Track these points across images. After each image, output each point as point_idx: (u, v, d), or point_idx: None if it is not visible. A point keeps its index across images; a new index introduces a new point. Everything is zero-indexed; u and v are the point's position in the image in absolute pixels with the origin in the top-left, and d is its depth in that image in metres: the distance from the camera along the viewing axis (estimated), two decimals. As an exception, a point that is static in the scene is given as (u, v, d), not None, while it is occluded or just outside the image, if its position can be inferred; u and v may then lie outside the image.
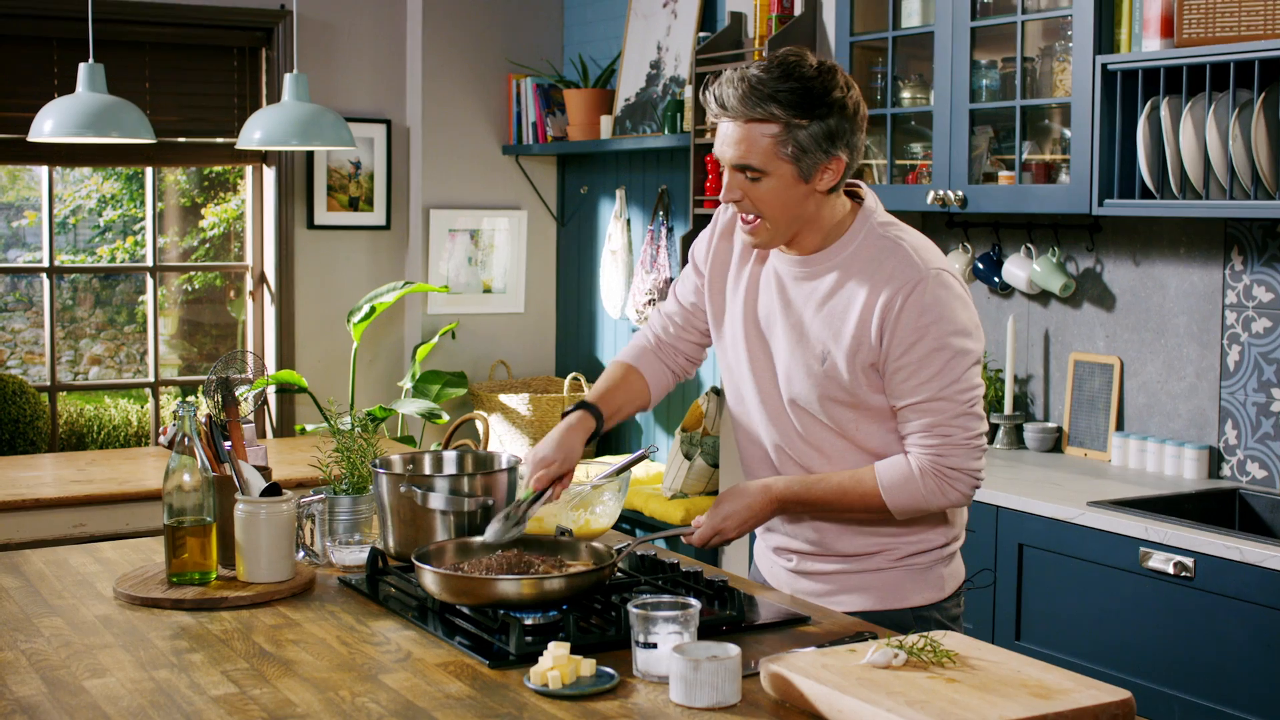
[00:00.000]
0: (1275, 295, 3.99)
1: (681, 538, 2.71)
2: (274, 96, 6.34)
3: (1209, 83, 3.68)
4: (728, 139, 2.53)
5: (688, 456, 5.51)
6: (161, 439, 5.24)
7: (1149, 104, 3.84)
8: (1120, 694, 1.99)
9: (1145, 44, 3.85)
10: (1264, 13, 3.61)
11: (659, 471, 5.91)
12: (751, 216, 2.58)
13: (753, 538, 2.99)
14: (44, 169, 6.22)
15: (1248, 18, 3.63)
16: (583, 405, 2.83)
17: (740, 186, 2.55)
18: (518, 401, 6.25)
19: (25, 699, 2.17)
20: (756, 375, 2.72)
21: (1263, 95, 3.58)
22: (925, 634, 2.17)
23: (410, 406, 6.08)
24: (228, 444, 2.88)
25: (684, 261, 5.28)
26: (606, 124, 6.22)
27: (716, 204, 5.30)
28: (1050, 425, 4.58)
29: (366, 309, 6.20)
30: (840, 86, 2.52)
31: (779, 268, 2.68)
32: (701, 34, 5.65)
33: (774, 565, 2.85)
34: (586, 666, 2.19)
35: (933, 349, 2.51)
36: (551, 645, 2.21)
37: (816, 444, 2.67)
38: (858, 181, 2.69)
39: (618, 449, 6.54)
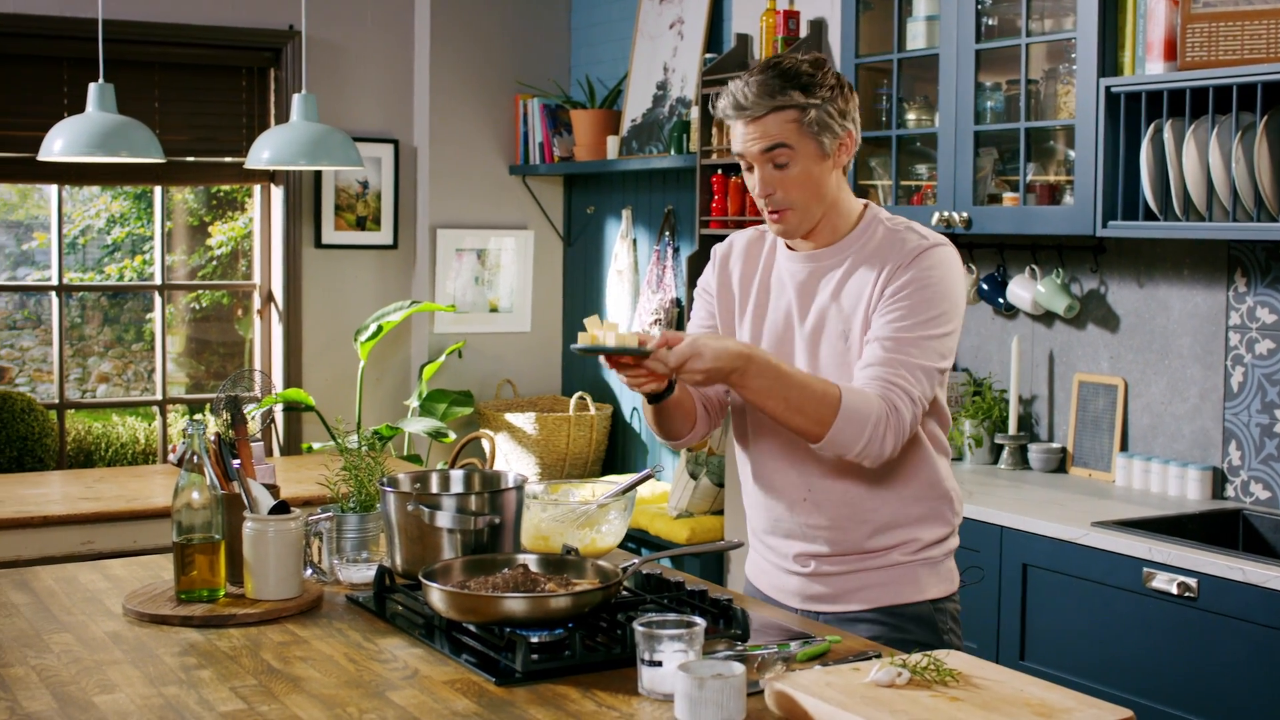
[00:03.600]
0: (1278, 317, 4.01)
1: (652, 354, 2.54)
2: (282, 116, 6.37)
3: (1212, 105, 3.70)
4: (752, 134, 2.68)
5: (693, 476, 5.53)
6: (171, 457, 5.27)
7: (1152, 126, 3.86)
8: (1123, 713, 2.01)
9: (1148, 67, 3.87)
10: (1266, 36, 3.63)
11: (664, 491, 5.92)
12: (782, 208, 2.70)
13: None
14: (53, 188, 6.25)
15: (1250, 41, 3.65)
16: None
17: (772, 179, 2.69)
18: (524, 420, 6.26)
19: (36, 714, 2.18)
20: None
21: (1265, 118, 3.60)
22: (929, 653, 2.19)
23: (417, 425, 6.09)
24: (236, 462, 2.90)
25: (690, 282, 5.31)
26: (613, 144, 6.25)
27: (723, 224, 5.33)
28: (1055, 446, 4.59)
29: (373, 328, 6.22)
30: (830, 72, 2.70)
31: (790, 270, 2.80)
32: (708, 55, 5.68)
33: (782, 574, 2.86)
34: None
35: (918, 303, 2.63)
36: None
37: None
38: (864, 200, 2.83)
39: (624, 469, 6.55)
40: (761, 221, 2.86)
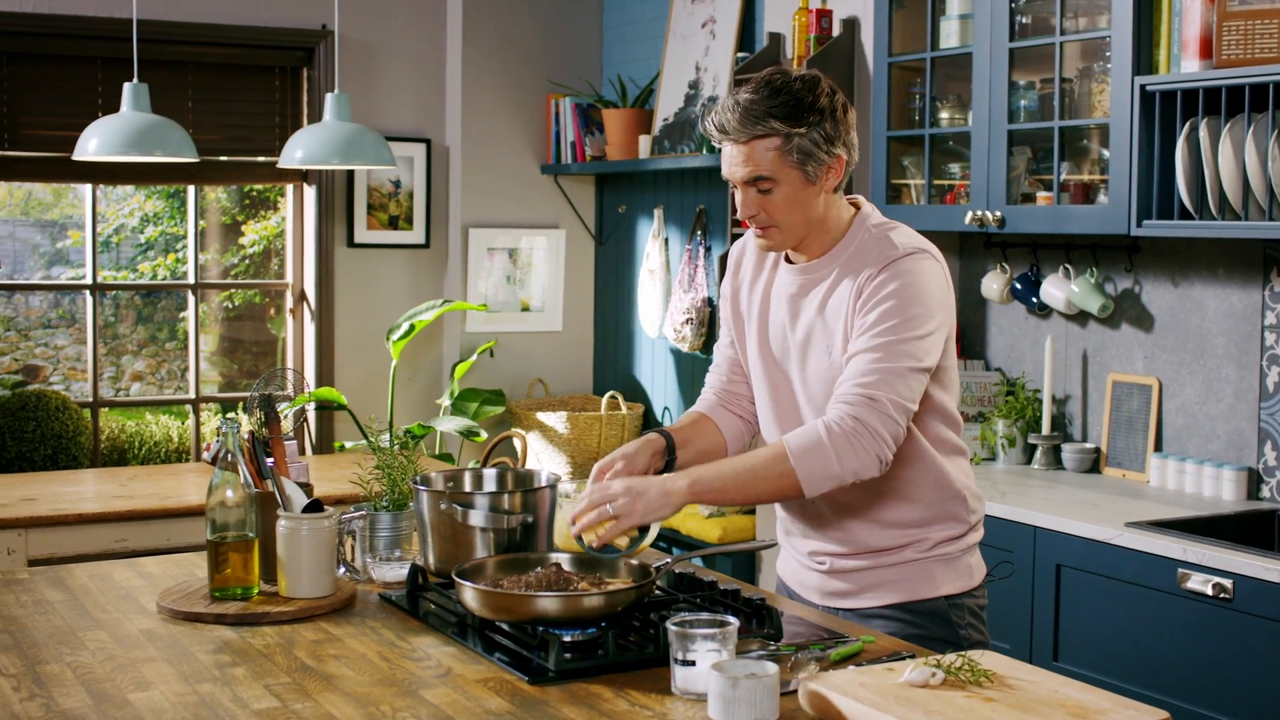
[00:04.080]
0: (1315, 316, 3.98)
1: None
2: (315, 116, 6.39)
3: (1248, 104, 3.68)
4: (735, 159, 2.68)
5: (725, 475, 5.51)
6: (205, 455, 5.28)
7: (1187, 125, 3.84)
8: (1159, 714, 2.00)
9: (1184, 65, 3.85)
10: (1304, 34, 3.61)
11: (696, 490, 5.91)
12: (766, 226, 2.72)
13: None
14: (87, 187, 6.28)
15: (1287, 39, 3.63)
16: (655, 430, 2.89)
17: (754, 201, 2.69)
18: (555, 420, 6.27)
19: (71, 711, 2.20)
20: (776, 392, 2.83)
21: (1302, 116, 3.58)
22: (963, 653, 2.18)
23: (449, 424, 6.11)
24: (270, 460, 2.91)
25: (720, 281, 5.30)
26: (645, 144, 6.25)
27: (754, 223, 5.32)
28: (1088, 446, 4.57)
29: (405, 327, 6.23)
30: (825, 93, 2.66)
31: (784, 282, 2.82)
32: (740, 54, 5.67)
33: (804, 571, 2.89)
34: None
35: (888, 309, 2.60)
36: None
37: None
38: (858, 196, 2.84)
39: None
40: None
